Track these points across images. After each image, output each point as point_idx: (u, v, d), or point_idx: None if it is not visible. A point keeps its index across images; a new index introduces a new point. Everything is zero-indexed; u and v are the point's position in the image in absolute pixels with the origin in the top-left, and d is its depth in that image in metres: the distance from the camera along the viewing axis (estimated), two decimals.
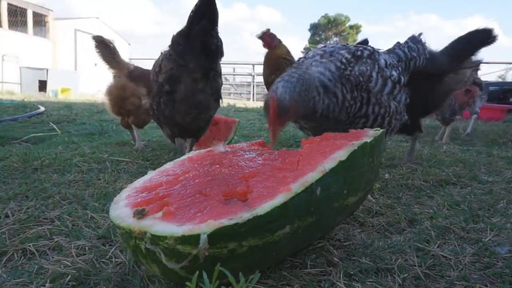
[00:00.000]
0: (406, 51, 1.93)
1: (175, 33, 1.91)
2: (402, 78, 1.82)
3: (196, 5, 1.77)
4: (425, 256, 1.16)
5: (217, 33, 1.85)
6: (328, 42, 1.99)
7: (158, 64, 2.03)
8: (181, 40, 1.87)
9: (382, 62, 1.76)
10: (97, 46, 2.68)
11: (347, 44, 1.85)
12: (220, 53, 1.89)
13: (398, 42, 2.02)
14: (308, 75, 1.51)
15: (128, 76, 2.57)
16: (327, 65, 1.63)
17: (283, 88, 1.40)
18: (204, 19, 1.77)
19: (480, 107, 4.71)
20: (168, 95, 1.92)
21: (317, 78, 1.57)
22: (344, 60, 1.65)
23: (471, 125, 4.53)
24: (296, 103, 1.42)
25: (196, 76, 1.87)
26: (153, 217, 0.86)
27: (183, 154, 2.02)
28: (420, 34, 2.09)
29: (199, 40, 1.81)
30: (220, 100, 2.08)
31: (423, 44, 2.06)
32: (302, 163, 1.09)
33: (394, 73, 1.78)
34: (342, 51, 1.71)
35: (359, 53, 1.71)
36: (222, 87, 2.09)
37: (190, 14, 1.81)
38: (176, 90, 1.90)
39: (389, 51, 1.95)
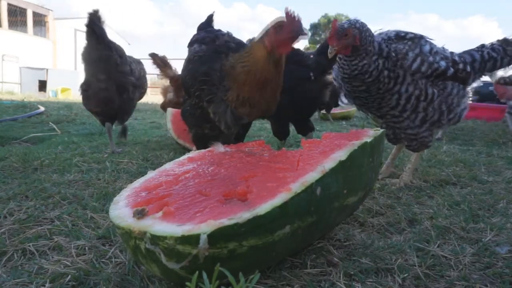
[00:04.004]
0: (485, 53, 1.96)
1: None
2: (450, 70, 1.84)
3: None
4: (425, 256, 1.16)
5: (107, 45, 2.42)
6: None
7: None
8: (85, 51, 2.45)
9: (427, 48, 1.84)
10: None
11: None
12: (116, 59, 2.48)
13: (482, 44, 2.05)
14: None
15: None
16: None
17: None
18: (94, 36, 2.36)
19: None
20: (84, 92, 2.55)
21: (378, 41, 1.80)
22: (386, 37, 1.84)
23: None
24: (354, 30, 1.70)
25: (100, 78, 2.45)
26: (153, 217, 0.86)
27: (110, 135, 2.67)
28: None
29: (94, 53, 2.41)
30: (128, 93, 2.59)
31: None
32: (302, 163, 1.09)
33: (442, 62, 1.83)
34: (390, 32, 1.88)
35: (402, 34, 1.85)
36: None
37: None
38: (88, 89, 2.51)
39: (464, 52, 2.00)
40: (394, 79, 1.77)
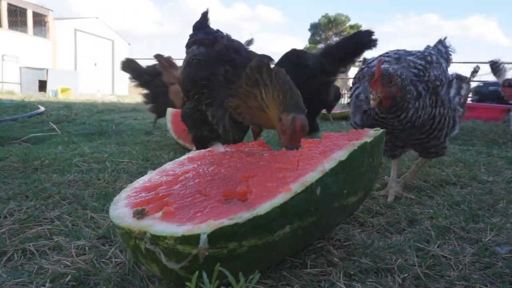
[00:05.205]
0: (440, 54, 1.92)
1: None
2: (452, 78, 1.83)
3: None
4: (425, 256, 1.16)
5: (141, 73, 3.88)
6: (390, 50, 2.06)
7: None
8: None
9: (444, 65, 1.78)
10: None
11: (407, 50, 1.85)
12: (146, 79, 3.83)
13: (428, 46, 2.03)
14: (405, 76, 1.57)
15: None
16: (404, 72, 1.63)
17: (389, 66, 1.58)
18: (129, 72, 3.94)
19: None
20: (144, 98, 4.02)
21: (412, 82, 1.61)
22: (420, 67, 1.67)
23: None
24: (397, 79, 1.51)
25: (144, 93, 3.93)
26: (153, 217, 0.86)
27: (155, 122, 4.09)
28: (445, 38, 2.07)
29: (136, 79, 3.93)
30: (159, 99, 3.72)
31: (446, 48, 2.02)
32: (302, 163, 1.09)
33: (449, 74, 1.80)
34: (410, 57, 1.73)
35: (429, 58, 1.72)
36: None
37: None
38: (144, 99, 3.99)
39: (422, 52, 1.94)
40: (430, 106, 1.67)
